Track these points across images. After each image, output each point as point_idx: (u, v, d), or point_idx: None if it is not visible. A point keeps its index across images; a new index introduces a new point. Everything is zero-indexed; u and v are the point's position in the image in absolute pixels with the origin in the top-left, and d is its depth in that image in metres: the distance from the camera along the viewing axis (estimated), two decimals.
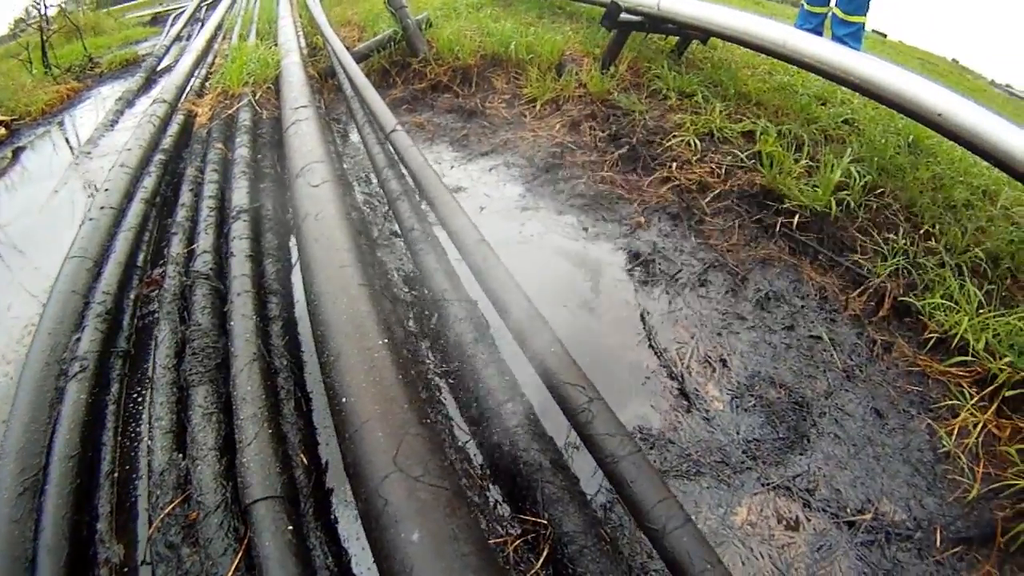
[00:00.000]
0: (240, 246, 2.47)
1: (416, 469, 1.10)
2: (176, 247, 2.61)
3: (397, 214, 2.95)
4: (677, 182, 3.33)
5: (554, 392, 1.68)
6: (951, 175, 3.33)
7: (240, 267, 2.33)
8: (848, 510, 1.97)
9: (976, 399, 2.29)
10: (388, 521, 1.03)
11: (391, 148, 3.22)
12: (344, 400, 1.29)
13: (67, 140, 5.01)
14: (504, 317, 1.96)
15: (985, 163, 2.95)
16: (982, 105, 2.77)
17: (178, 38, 8.53)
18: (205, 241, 2.57)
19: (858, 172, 3.11)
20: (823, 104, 4.07)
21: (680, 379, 2.38)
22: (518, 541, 1.61)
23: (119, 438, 1.83)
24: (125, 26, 11.06)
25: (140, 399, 2.03)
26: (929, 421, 2.29)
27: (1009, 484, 2.02)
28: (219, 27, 7.73)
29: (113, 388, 1.97)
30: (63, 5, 10.85)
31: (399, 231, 2.93)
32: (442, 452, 1.23)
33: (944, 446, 2.18)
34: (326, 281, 1.68)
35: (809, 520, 1.93)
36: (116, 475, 1.71)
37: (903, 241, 2.87)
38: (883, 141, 3.48)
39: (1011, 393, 2.27)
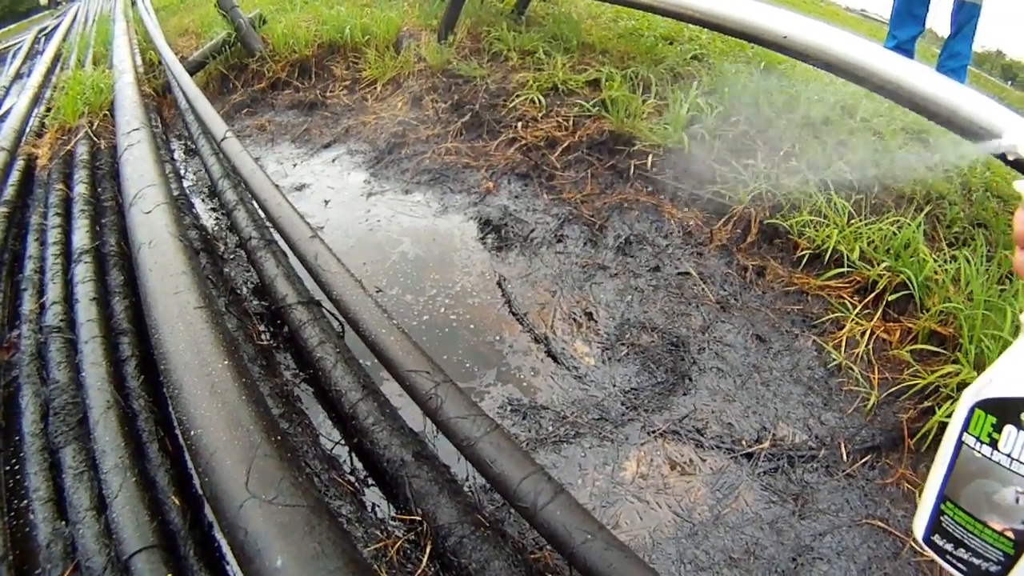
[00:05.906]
0: (84, 290, 2.28)
1: (269, 492, 1.06)
2: (28, 304, 2.40)
3: (235, 224, 2.76)
4: (524, 141, 3.06)
5: (401, 382, 1.62)
6: (807, 96, 3.21)
7: (86, 312, 2.17)
8: (744, 442, 1.80)
9: (859, 308, 2.13)
10: (252, 551, 0.98)
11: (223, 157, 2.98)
12: (193, 433, 1.20)
13: None
14: (343, 312, 1.83)
15: (840, 79, 2.84)
16: (830, 24, 2.66)
17: (18, 75, 7.66)
18: (53, 291, 2.38)
19: (709, 104, 2.94)
20: (670, 44, 3.91)
21: (545, 341, 2.12)
22: (400, 542, 1.48)
23: (6, 518, 1.68)
24: None
25: (20, 473, 1.85)
26: (814, 338, 2.10)
27: (909, 385, 1.87)
28: (57, 57, 6.96)
29: None
30: None
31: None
32: (296, 468, 1.15)
33: (834, 360, 2.02)
34: (163, 310, 1.55)
35: (704, 460, 1.76)
36: (11, 558, 1.58)
37: (763, 165, 2.69)
38: (733, 71, 3.34)
39: (893, 297, 2.13)
